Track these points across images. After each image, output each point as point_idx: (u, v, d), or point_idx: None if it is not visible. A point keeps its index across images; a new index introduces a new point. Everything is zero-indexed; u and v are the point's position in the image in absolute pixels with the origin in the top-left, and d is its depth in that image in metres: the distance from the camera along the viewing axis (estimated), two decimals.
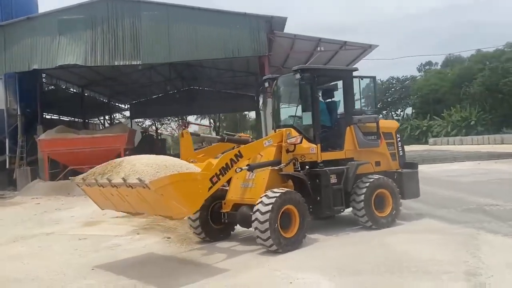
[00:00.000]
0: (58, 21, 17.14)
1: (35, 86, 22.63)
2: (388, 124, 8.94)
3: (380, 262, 5.90)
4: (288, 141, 7.31)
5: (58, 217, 12.20)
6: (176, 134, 45.62)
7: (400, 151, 8.80)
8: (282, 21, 17.20)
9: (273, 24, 17.12)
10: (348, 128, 8.00)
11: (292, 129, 7.62)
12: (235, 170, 6.54)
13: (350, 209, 7.94)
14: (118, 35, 17.07)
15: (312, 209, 7.37)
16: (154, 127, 45.80)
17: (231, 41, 16.75)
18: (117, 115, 41.50)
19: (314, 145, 7.59)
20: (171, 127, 50.65)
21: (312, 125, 7.67)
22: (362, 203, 7.54)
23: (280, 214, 6.44)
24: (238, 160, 6.58)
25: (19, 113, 21.84)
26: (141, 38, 16.99)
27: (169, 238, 8.45)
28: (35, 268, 6.69)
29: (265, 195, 6.51)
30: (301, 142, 7.27)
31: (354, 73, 8.33)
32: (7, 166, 21.63)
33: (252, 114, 53.66)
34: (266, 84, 8.72)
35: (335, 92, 8.48)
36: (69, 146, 19.02)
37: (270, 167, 7.17)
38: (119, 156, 19.16)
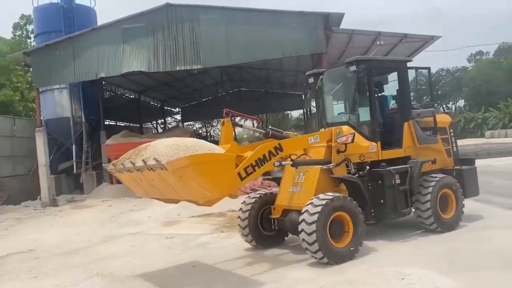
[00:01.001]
0: (121, 30, 17.78)
1: (97, 94, 23.72)
2: (441, 119, 8.35)
3: (487, 257, 5.78)
4: (338, 140, 6.71)
5: (136, 218, 12.70)
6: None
7: (454, 147, 8.43)
8: (339, 17, 17.04)
9: (330, 21, 17.00)
10: (406, 123, 7.53)
11: (343, 127, 7.05)
12: (274, 164, 6.09)
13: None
14: (178, 40, 17.50)
15: (375, 213, 6.89)
16: (204, 129, 46.67)
17: (289, 41, 16.77)
18: (169, 119, 42.54)
19: (374, 143, 7.11)
20: (218, 128, 51.46)
21: (371, 121, 7.23)
22: (428, 203, 7.06)
23: (330, 222, 5.91)
24: (277, 153, 6.10)
25: (83, 120, 22.92)
26: (201, 43, 17.34)
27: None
28: (139, 266, 7.00)
29: (311, 203, 5.97)
30: (352, 141, 6.68)
31: (408, 64, 7.93)
32: (74, 171, 22.75)
33: (294, 113, 53.57)
34: (311, 80, 8.20)
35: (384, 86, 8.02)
36: None
37: (319, 169, 6.64)
38: None
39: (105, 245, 9.10)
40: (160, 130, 35.77)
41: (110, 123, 30.36)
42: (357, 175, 6.82)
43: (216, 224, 10.46)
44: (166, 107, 38.46)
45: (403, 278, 5.20)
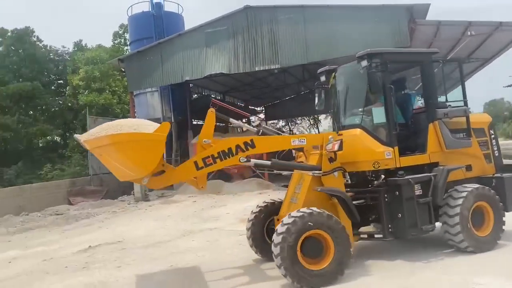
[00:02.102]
0: (205, 34, 18.65)
1: (185, 95, 25.08)
2: (479, 118, 7.30)
3: None
4: (326, 147, 5.98)
5: (215, 214, 13.26)
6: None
7: (496, 151, 7.23)
8: (424, 8, 16.18)
9: (414, 13, 16.20)
10: (431, 124, 6.53)
11: (353, 130, 6.47)
12: (239, 159, 5.66)
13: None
14: (257, 41, 17.92)
15: (392, 228, 6.10)
16: (288, 128, 46.95)
17: (370, 35, 16.26)
18: (252, 118, 43.49)
19: (390, 149, 6.22)
20: (302, 127, 51.46)
21: (387, 123, 6.32)
22: (457, 218, 6.07)
23: (301, 243, 5.27)
24: (247, 149, 5.68)
25: (172, 120, 24.38)
26: (279, 43, 17.57)
27: None
28: (209, 261, 7.36)
29: (282, 221, 5.42)
30: (340, 149, 5.86)
31: (435, 57, 6.90)
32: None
33: None
34: (323, 78, 7.44)
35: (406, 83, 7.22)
36: None
37: (311, 179, 5.98)
38: (261, 157, 20.24)
39: (184, 239, 9.64)
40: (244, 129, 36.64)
41: (198, 122, 31.91)
42: (371, 185, 6.28)
43: None
44: (250, 106, 39.35)
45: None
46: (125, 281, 6.57)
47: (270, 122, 42.86)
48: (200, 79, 22.49)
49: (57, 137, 31.46)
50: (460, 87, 7.13)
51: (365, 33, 16.28)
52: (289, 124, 46.35)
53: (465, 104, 6.92)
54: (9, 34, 31.83)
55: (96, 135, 5.16)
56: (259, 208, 6.96)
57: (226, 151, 5.63)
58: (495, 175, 6.98)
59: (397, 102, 6.63)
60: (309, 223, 5.29)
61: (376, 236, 6.48)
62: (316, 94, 7.42)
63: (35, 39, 33.02)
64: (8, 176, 25.52)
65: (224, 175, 21.25)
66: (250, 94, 34.70)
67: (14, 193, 18.85)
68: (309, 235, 5.32)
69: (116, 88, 29.05)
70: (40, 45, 33.30)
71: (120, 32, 34.54)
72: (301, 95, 37.28)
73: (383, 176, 6.26)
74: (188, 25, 25.72)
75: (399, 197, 6.06)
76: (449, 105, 6.81)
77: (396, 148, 6.24)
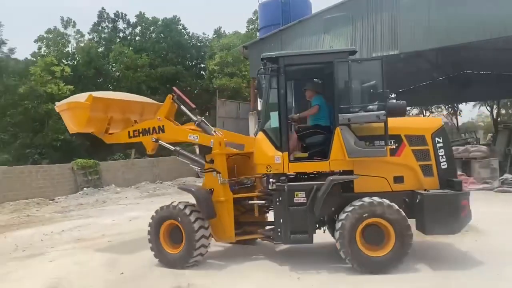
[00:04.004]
0: (324, 21, 18.81)
1: None
2: (419, 124, 6.42)
3: None
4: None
5: None
6: (449, 123, 42.75)
7: (443, 163, 6.09)
8: None
9: None
10: (336, 130, 5.94)
11: (217, 137, 6.90)
12: (151, 139, 7.06)
13: None
14: (376, 27, 17.45)
15: (281, 233, 6.06)
16: (422, 116, 44.17)
17: (498, 19, 14.61)
18: None
19: (280, 153, 6.07)
20: (443, 115, 47.77)
21: (280, 128, 6.10)
22: (339, 233, 5.73)
23: (166, 231, 6.61)
24: (159, 132, 7.00)
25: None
26: (399, 28, 16.85)
27: None
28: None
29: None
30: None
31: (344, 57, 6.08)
32: None
33: None
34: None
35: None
36: None
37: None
38: None
39: None
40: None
41: None
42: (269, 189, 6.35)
43: None
44: None
45: None
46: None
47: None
48: None
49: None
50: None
51: (493, 16, 14.68)
52: (423, 112, 43.58)
53: (383, 108, 5.80)
54: (159, 22, 35.98)
55: (58, 104, 7.74)
56: None
57: (146, 129, 7.12)
58: (426, 191, 5.98)
59: (327, 105, 6.45)
60: (165, 216, 6.52)
61: (265, 238, 6.74)
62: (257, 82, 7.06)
63: (180, 27, 36.73)
64: None
65: None
66: None
67: (152, 164, 21.84)
68: (168, 225, 6.49)
69: (246, 73, 30.84)
70: (184, 32, 36.92)
71: (254, 18, 36.24)
72: (437, 81, 34.71)
73: (273, 181, 6.21)
74: (316, 11, 25.96)
75: (281, 203, 6.06)
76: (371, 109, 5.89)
77: (286, 153, 6.08)
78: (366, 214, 5.68)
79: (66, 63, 30.62)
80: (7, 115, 28.07)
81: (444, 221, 5.77)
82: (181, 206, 6.47)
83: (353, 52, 6.29)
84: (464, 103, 39.32)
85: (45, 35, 32.31)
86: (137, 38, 36.72)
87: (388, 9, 17.16)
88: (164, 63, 33.41)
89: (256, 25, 36.00)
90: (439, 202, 5.78)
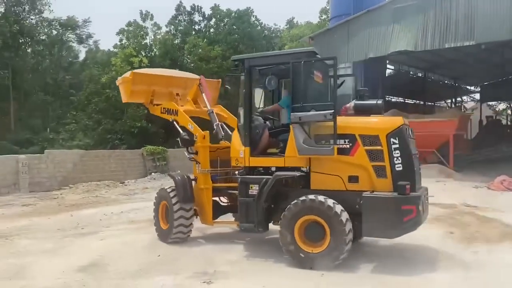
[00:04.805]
0: (393, 10, 18.02)
1: (379, 72, 24.69)
2: (376, 124, 6.05)
3: None
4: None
5: None
6: None
7: (398, 165, 5.75)
8: None
9: None
10: (291, 128, 6.19)
11: (205, 132, 7.36)
12: (170, 119, 7.69)
13: None
14: (450, 16, 16.35)
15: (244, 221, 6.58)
16: (510, 112, 40.62)
17: None
18: (465, 98, 39.27)
19: (243, 148, 6.61)
20: None
21: (243, 125, 6.68)
22: (280, 228, 6.03)
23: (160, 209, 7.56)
24: (176, 115, 7.61)
25: None
26: (476, 17, 15.66)
27: (452, 233, 8.00)
28: None
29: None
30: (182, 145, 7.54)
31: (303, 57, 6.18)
32: None
33: None
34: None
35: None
36: None
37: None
38: (447, 141, 18.71)
39: None
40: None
41: (397, 100, 31.02)
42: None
43: (435, 214, 9.98)
44: (462, 86, 35.63)
45: None
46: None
47: (486, 104, 37.91)
48: (396, 55, 21.85)
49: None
50: None
51: None
52: (510, 108, 40.02)
53: (332, 107, 5.79)
54: (233, 14, 36.66)
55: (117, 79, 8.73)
56: None
57: (168, 109, 7.79)
58: (372, 193, 5.79)
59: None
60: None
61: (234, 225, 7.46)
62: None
63: (253, 18, 37.15)
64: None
65: None
66: (459, 71, 31.39)
67: None
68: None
69: None
70: (257, 23, 37.27)
71: (327, 8, 35.57)
72: None
73: (237, 173, 7.06)
74: None
75: (239, 194, 6.57)
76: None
77: (248, 148, 6.52)
78: (302, 211, 5.84)
79: (144, 54, 32.39)
80: (92, 103, 30.49)
81: (381, 225, 5.68)
82: (169, 190, 7.34)
83: (311, 53, 6.50)
84: None
85: (125, 28, 34.43)
86: (211, 30, 37.78)
87: None
88: (236, 55, 34.02)
89: (328, 15, 35.37)
90: (377, 204, 5.68)
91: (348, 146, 5.93)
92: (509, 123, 34.12)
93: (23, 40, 30.57)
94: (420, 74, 30.69)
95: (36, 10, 31.47)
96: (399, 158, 5.79)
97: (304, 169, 6.34)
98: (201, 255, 6.60)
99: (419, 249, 6.84)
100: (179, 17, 37.94)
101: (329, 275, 5.59)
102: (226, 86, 9.16)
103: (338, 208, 5.68)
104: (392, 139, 5.82)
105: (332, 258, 5.68)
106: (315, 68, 6.25)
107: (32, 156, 15.87)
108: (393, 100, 31.15)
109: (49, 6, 31.55)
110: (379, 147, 5.85)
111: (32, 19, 31.19)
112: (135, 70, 8.49)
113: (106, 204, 12.05)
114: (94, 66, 33.23)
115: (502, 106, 40.30)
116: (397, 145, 5.81)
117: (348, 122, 6.00)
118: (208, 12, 38.08)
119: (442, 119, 19.20)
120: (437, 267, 5.94)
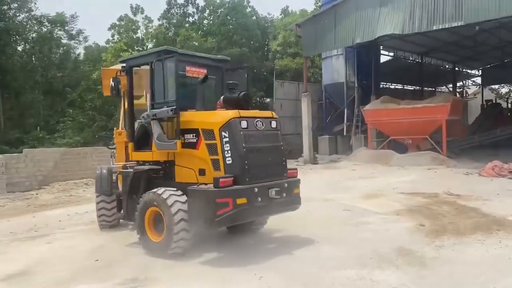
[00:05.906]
0: None
1: (372, 58, 23.99)
2: (210, 118, 6.17)
3: None
4: None
5: (354, 185, 12.80)
6: None
7: (228, 158, 5.86)
8: None
9: None
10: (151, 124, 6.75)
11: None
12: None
13: None
14: None
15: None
16: None
17: None
18: (467, 82, 38.29)
19: (131, 144, 7.19)
20: None
21: (127, 122, 7.44)
22: (135, 217, 6.40)
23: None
24: None
25: (356, 85, 23.80)
26: None
27: (422, 225, 7.48)
28: (285, 230, 7.49)
29: None
30: None
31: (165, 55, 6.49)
32: (344, 134, 24.20)
33: None
34: None
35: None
36: (389, 116, 19.30)
37: None
38: (440, 127, 18.03)
39: None
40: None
41: (390, 86, 30.24)
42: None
43: (411, 204, 9.50)
44: (462, 69, 34.70)
45: None
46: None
47: (489, 87, 36.94)
48: (390, 40, 21.17)
49: (258, 98, 34.55)
50: None
51: None
52: None
53: (175, 103, 6.25)
54: (227, 5, 36.00)
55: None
56: None
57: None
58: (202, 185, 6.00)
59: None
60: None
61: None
62: None
63: (249, 8, 36.46)
64: None
65: (400, 146, 19.89)
66: (459, 55, 30.50)
67: None
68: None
69: None
70: (253, 12, 36.58)
71: None
72: None
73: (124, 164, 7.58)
74: None
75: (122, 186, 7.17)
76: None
77: (131, 144, 7.08)
78: (149, 203, 6.15)
79: (136, 48, 31.95)
80: (87, 100, 30.18)
81: (199, 217, 5.76)
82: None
83: (167, 52, 6.54)
84: None
85: (117, 23, 33.99)
86: (205, 21, 37.19)
87: None
88: (230, 45, 33.46)
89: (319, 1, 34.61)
90: (196, 197, 5.83)
91: (195, 140, 6.20)
92: (509, 106, 33.08)
93: (12, 39, 30.22)
94: (418, 60, 29.89)
95: (25, 9, 31.08)
96: (229, 151, 5.89)
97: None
98: (141, 259, 6.13)
99: (376, 244, 6.33)
100: (172, 10, 37.40)
101: (266, 277, 5.14)
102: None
103: (172, 199, 5.87)
104: (223, 133, 5.94)
105: (167, 247, 5.91)
106: (166, 67, 6.40)
107: (10, 156, 15.53)
108: (391, 87, 30.45)
109: (35, 3, 31.15)
110: (214, 141, 6.02)
111: (18, 15, 30.77)
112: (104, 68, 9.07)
113: (76, 204, 11.66)
114: (85, 62, 32.87)
115: (505, 89, 39.27)
116: (227, 139, 5.91)
117: (194, 117, 6.27)
118: (201, 3, 37.54)
119: (433, 105, 18.51)
120: (387, 266, 5.41)
